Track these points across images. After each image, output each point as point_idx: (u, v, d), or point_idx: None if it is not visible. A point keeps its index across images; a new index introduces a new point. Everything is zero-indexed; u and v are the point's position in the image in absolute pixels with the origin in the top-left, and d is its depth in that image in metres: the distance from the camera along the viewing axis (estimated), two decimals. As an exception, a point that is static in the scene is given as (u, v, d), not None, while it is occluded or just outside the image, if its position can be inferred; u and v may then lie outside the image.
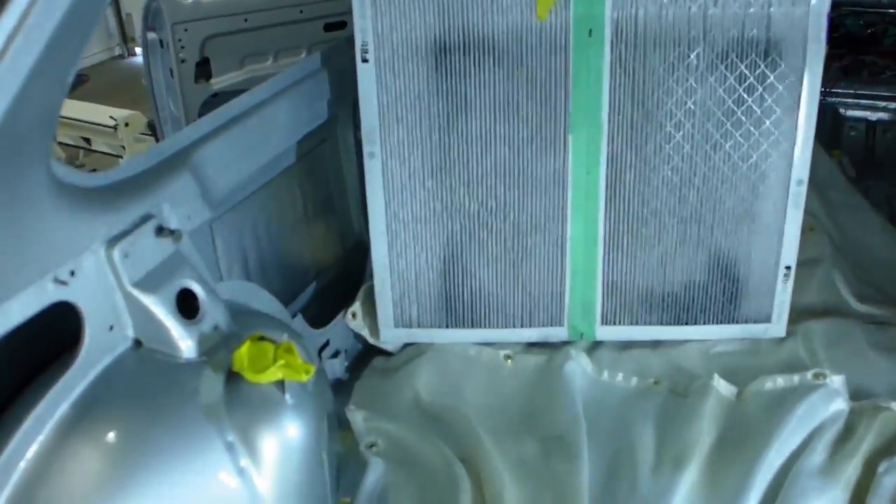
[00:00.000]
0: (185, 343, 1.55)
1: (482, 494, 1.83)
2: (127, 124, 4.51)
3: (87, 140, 4.88)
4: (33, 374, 1.44)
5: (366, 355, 2.39)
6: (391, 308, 2.28)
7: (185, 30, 2.94)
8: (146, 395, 1.50)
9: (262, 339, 1.57)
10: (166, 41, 2.96)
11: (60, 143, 4.96)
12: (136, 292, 1.50)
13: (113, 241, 1.46)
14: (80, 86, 6.02)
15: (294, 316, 2.11)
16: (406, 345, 2.36)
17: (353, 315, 2.33)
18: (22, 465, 1.36)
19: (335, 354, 2.29)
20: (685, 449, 1.91)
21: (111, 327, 1.49)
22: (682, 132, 2.10)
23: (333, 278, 2.49)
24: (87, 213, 1.42)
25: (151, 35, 3.02)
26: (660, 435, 1.98)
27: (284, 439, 1.57)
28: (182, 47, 2.96)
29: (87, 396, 1.45)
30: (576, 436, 1.96)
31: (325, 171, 2.44)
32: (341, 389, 2.27)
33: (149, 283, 1.52)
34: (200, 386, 1.52)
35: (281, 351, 1.55)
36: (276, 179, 2.19)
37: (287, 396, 1.57)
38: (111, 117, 4.47)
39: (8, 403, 1.39)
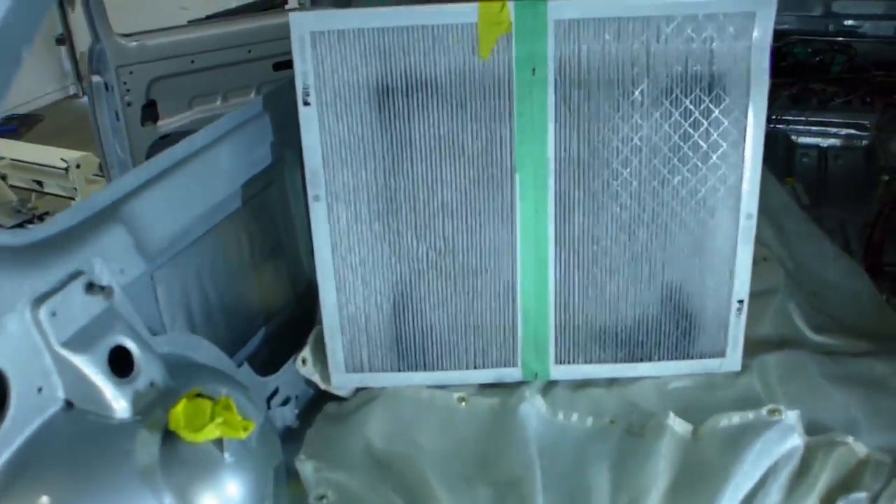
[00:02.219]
0: (119, 403, 1.50)
1: (433, 547, 1.79)
2: (78, 166, 4.44)
3: (40, 183, 4.80)
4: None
5: (318, 401, 2.34)
6: (341, 353, 2.24)
7: (130, 72, 2.90)
8: (77, 458, 1.44)
9: (199, 395, 1.52)
10: (111, 84, 2.92)
11: (12, 186, 4.88)
12: (64, 352, 1.44)
13: (39, 300, 1.41)
14: (35, 125, 5.94)
15: (240, 365, 2.05)
16: (359, 389, 2.31)
17: (304, 361, 2.28)
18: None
19: (285, 402, 2.24)
20: (641, 492, 1.87)
21: (40, 389, 1.44)
22: (629, 169, 2.09)
23: (284, 322, 2.45)
24: (10, 271, 1.37)
25: (96, 78, 2.98)
26: (616, 477, 1.94)
27: (224, 499, 1.51)
28: (127, 90, 2.93)
29: (16, 461, 1.39)
30: (530, 481, 1.92)
31: (273, 215, 2.41)
32: (292, 437, 2.21)
33: (78, 341, 1.47)
34: (135, 447, 1.47)
35: (219, 408, 1.50)
36: (221, 225, 2.15)
37: (226, 455, 1.51)
38: (62, 159, 4.41)
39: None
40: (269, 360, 2.31)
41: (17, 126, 5.65)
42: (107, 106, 2.96)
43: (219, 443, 1.51)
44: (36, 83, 6.60)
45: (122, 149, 3.00)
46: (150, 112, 2.97)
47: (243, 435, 1.50)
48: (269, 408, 2.18)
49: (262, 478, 1.60)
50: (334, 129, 2.05)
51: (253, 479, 1.57)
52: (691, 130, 2.06)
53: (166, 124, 3.02)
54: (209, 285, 2.13)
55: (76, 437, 1.47)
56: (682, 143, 2.07)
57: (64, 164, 4.44)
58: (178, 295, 2.02)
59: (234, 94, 3.10)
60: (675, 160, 2.08)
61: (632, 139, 2.07)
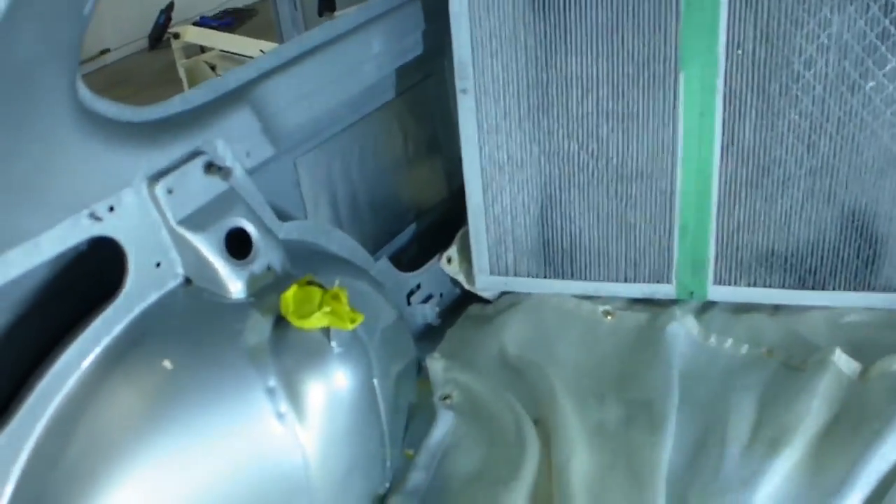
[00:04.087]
0: (234, 284, 1.52)
1: (550, 460, 1.71)
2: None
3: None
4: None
5: (464, 302, 2.30)
6: (486, 254, 2.17)
7: None
8: (193, 333, 1.49)
9: (310, 283, 1.51)
10: (291, -29, 2.94)
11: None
12: (181, 230, 1.47)
13: (156, 177, 1.44)
14: (249, 20, 6.17)
15: (378, 258, 2.04)
16: (504, 293, 2.25)
17: (449, 260, 2.24)
18: (61, 396, 1.38)
19: (427, 299, 2.22)
20: (786, 429, 1.70)
21: (158, 264, 1.48)
22: (812, 70, 1.83)
23: (436, 221, 2.40)
24: (127, 147, 1.39)
25: (278, -34, 3.00)
26: (761, 411, 1.77)
27: (329, 388, 1.51)
28: (306, -22, 2.92)
29: (136, 328, 1.45)
30: (664, 405, 1.79)
31: (430, 109, 2.34)
32: (433, 335, 2.20)
33: (196, 220, 1.49)
34: (246, 328, 1.49)
35: (328, 297, 1.49)
36: (372, 116, 2.11)
37: (333, 344, 1.51)
38: (261, 51, 4.55)
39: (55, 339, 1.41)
40: (418, 257, 2.29)
41: (233, 20, 5.89)
42: (287, -6, 2.99)
43: (326, 332, 1.50)
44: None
45: (301, 39, 3.01)
46: (327, 2, 2.96)
47: (350, 326, 1.48)
48: (408, 304, 2.17)
49: (370, 371, 1.58)
50: (484, 17, 1.92)
51: (360, 370, 1.56)
52: (892, 28, 1.76)
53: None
54: (357, 177, 2.11)
55: (192, 312, 1.51)
56: (879, 43, 1.78)
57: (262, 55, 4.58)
58: (323, 184, 2.01)
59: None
60: (870, 62, 1.80)
61: (818, 36, 1.80)
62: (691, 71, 1.88)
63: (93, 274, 1.46)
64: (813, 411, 1.74)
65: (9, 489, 1.33)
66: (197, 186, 1.49)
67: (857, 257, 1.98)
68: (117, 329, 1.43)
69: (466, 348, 2.10)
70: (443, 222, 2.37)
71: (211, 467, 1.42)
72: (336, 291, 1.49)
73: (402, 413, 1.85)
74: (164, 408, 1.41)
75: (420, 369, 2.02)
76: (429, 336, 2.19)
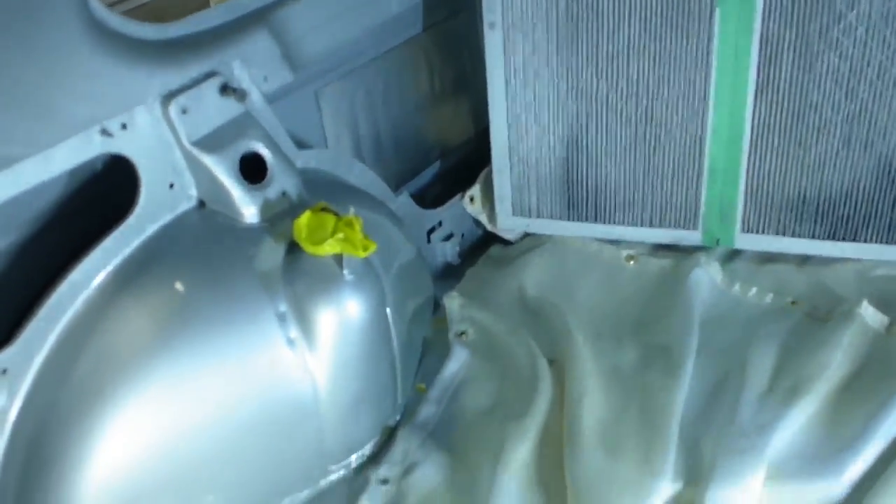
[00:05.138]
0: (247, 208, 1.51)
1: (562, 398, 1.69)
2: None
3: None
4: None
5: (485, 243, 2.28)
6: (509, 194, 2.13)
7: None
8: (203, 255, 1.48)
9: (324, 210, 1.49)
10: None
11: None
12: (195, 151, 1.46)
13: (170, 96, 1.42)
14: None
15: (399, 195, 2.01)
16: (526, 235, 2.22)
17: (472, 199, 2.21)
18: (71, 312, 1.38)
19: (447, 238, 2.19)
20: (806, 379, 1.66)
21: (171, 185, 1.47)
22: (855, 11, 1.75)
23: (461, 160, 2.37)
24: (140, 65, 1.38)
25: None
26: (781, 359, 1.73)
27: (340, 316, 1.51)
28: None
29: (148, 249, 1.45)
30: (682, 350, 1.76)
31: (459, 46, 2.29)
32: (452, 274, 2.18)
33: (210, 142, 1.47)
34: (258, 252, 1.49)
35: (342, 224, 1.47)
36: (398, 49, 2.07)
37: (345, 272, 1.49)
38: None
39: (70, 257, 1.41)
40: (441, 196, 2.26)
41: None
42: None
43: (339, 259, 1.49)
44: None
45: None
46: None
47: (363, 254, 1.46)
48: (428, 241, 2.15)
49: (383, 301, 1.57)
50: (514, -53, 1.88)
51: (372, 299, 1.54)
52: (942, -34, 1.69)
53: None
54: (381, 113, 2.08)
55: (205, 235, 1.50)
56: (927, -18, 1.70)
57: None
58: (346, 118, 1.98)
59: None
60: (917, 3, 1.72)
61: (863, -27, 1.73)
62: (727, 8, 1.81)
63: (108, 196, 1.46)
64: (835, 363, 1.69)
65: (18, 402, 1.34)
66: (212, 108, 1.47)
67: (893, 208, 1.92)
68: (129, 249, 1.43)
69: (485, 288, 2.08)
70: (467, 162, 2.34)
71: (220, 390, 1.43)
72: (350, 219, 1.47)
73: (416, 348, 1.84)
74: (174, 328, 1.41)
75: (437, 307, 2.00)
76: (448, 275, 2.17)
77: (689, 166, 2.00)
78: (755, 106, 1.90)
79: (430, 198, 2.25)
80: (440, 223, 2.17)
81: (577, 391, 1.68)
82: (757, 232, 2.03)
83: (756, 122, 1.91)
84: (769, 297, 1.92)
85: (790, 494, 1.51)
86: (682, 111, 1.94)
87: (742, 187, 1.99)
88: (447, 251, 2.19)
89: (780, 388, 1.66)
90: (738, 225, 2.03)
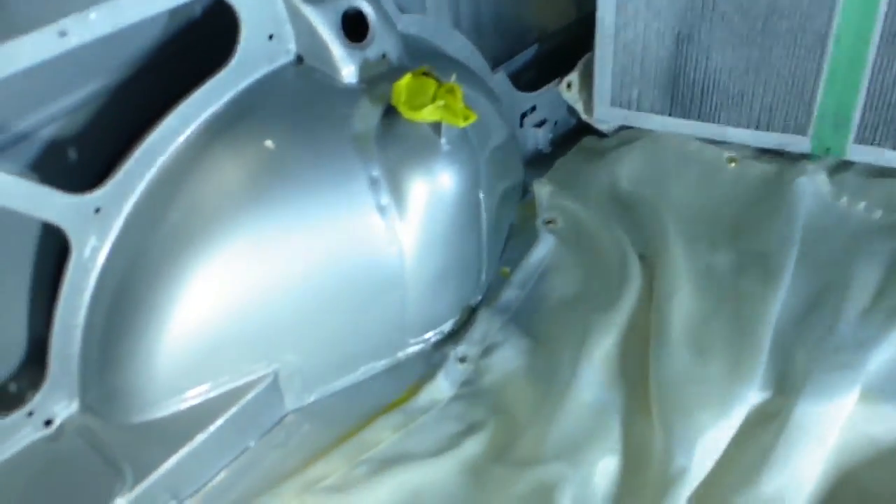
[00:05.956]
0: (346, 67, 1.45)
1: (650, 294, 1.64)
2: None
3: None
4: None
5: (578, 133, 2.19)
6: (610, 83, 2.03)
7: None
8: (298, 112, 1.43)
9: (426, 74, 1.43)
10: None
11: None
12: (297, 2, 1.40)
13: None
14: None
15: (496, 72, 1.93)
16: (621, 127, 2.12)
17: (569, 85, 2.11)
18: (163, 158, 1.36)
19: (540, 123, 2.11)
20: (913, 301, 1.57)
21: (270, 36, 1.41)
22: None
23: (561, 45, 2.25)
24: None
25: None
26: (886, 280, 1.64)
27: (433, 185, 1.46)
28: None
29: (242, 101, 1.41)
30: (781, 258, 1.68)
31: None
32: (542, 162, 2.10)
33: None
34: (354, 113, 1.44)
35: (443, 91, 1.41)
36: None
37: (443, 141, 1.44)
38: None
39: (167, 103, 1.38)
40: (537, 80, 2.17)
41: None
42: None
43: (437, 127, 1.43)
44: None
45: None
46: None
47: (462, 123, 1.40)
48: (521, 126, 2.07)
49: (477, 177, 1.51)
50: None
51: (466, 174, 1.49)
52: None
53: None
54: (483, -14, 1.98)
55: (301, 91, 1.45)
56: None
57: None
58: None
59: None
60: None
61: None
62: None
63: (206, 46, 1.41)
64: (945, 284, 1.60)
65: (108, 242, 1.34)
66: (317, -42, 1.40)
67: None
68: (224, 99, 1.39)
69: (576, 178, 2.00)
70: (567, 47, 2.22)
71: (307, 250, 1.40)
72: (451, 86, 1.41)
73: (503, 232, 1.79)
74: (265, 183, 1.38)
75: (525, 193, 1.94)
76: (537, 163, 2.09)
77: (807, 66, 1.87)
78: (889, 5, 1.75)
79: (524, 81, 2.16)
80: (534, 108, 2.09)
81: (668, 289, 1.61)
82: (872, 144, 1.90)
83: (887, 22, 1.77)
84: (878, 214, 1.82)
85: (881, 416, 1.45)
86: (808, 4, 1.80)
87: (862, 95, 1.85)
88: (539, 138, 2.11)
89: (882, 308, 1.58)
90: (853, 135, 1.91)
